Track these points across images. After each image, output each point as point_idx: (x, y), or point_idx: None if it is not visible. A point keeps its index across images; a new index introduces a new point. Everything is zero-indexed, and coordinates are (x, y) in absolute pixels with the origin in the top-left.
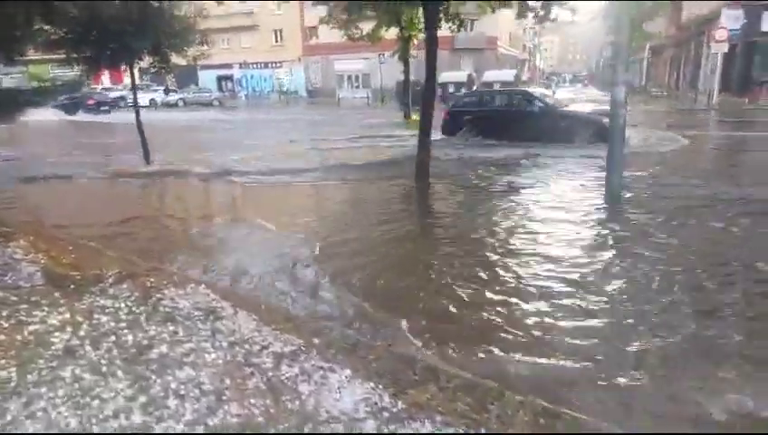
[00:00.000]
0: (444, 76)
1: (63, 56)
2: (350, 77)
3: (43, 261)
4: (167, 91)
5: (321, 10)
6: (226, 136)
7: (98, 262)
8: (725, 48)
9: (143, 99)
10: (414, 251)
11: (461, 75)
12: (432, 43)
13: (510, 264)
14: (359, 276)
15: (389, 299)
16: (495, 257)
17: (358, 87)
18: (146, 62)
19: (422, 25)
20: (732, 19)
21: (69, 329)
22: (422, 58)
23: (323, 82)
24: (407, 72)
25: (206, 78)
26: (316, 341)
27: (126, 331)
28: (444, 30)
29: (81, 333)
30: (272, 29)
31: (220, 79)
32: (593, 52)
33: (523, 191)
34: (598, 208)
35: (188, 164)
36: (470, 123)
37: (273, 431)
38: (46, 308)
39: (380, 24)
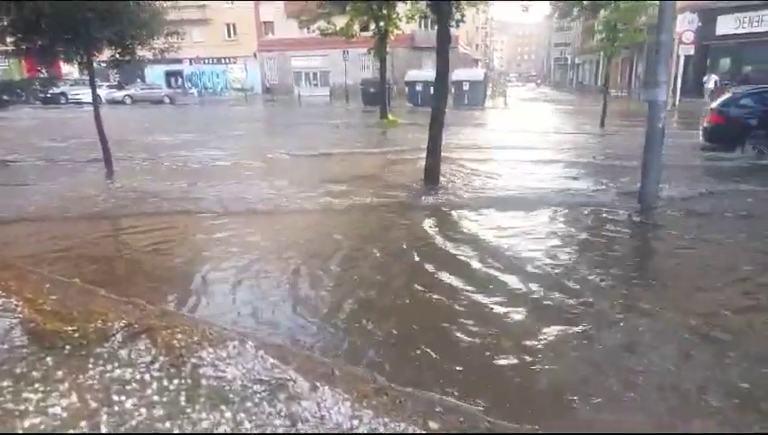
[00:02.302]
0: (411, 75)
1: (9, 47)
2: (307, 74)
3: (19, 309)
4: (120, 87)
5: (279, 4)
6: (247, 141)
7: (93, 307)
8: (692, 50)
9: (86, 95)
10: None
11: (429, 74)
12: (444, 40)
13: None
14: None
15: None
16: None
17: (316, 85)
18: (106, 54)
19: (399, 21)
20: (687, 23)
21: (83, 423)
22: (396, 55)
23: (280, 79)
24: (383, 69)
25: (153, 73)
26: (434, 426)
27: (167, 422)
28: (405, 27)
29: (103, 430)
30: (224, 23)
31: (168, 75)
32: (541, 52)
33: None
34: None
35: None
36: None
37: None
38: (40, 386)
39: (354, 20)
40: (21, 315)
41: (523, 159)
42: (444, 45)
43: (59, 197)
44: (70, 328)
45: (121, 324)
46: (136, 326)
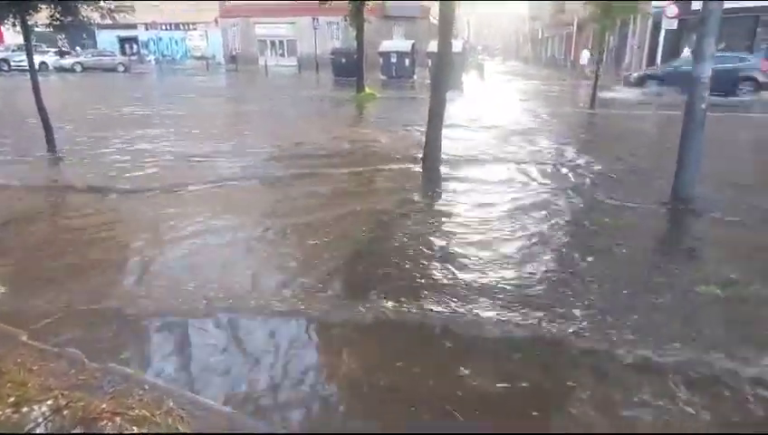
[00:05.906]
0: (385, 45)
1: None
2: (272, 43)
3: None
4: (68, 53)
5: None
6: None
7: (6, 365)
8: (675, 24)
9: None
10: None
11: (405, 45)
12: (448, 6)
13: None
14: None
15: None
16: None
17: (282, 54)
18: (44, 13)
19: None
20: None
21: None
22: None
23: (243, 48)
24: (360, 38)
25: (105, 40)
26: None
27: None
28: None
29: None
30: None
31: (122, 41)
32: (508, 25)
33: None
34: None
35: None
36: None
37: None
38: None
39: None
40: None
41: (528, 144)
42: (447, 12)
43: None
44: None
45: (44, 410)
46: (65, 412)
